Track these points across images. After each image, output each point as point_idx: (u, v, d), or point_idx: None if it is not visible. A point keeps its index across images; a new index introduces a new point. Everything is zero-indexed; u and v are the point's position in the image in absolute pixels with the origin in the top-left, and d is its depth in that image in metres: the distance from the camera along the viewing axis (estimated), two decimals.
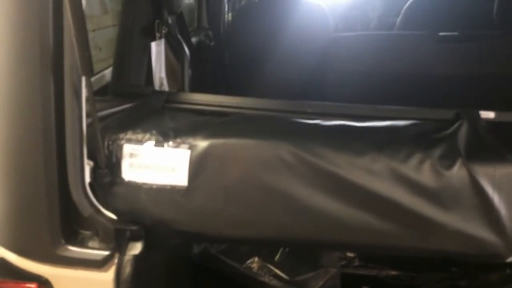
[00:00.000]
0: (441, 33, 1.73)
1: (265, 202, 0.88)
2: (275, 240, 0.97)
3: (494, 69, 1.63)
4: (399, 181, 0.84)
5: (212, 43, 2.43)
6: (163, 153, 0.87)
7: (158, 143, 0.88)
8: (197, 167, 0.87)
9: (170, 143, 0.88)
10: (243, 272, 1.46)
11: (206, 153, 0.87)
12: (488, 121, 0.94)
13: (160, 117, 0.95)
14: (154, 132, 0.89)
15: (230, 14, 2.84)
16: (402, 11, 2.37)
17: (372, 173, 0.84)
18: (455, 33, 1.72)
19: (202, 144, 0.87)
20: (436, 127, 0.90)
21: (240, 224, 0.91)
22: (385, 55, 1.74)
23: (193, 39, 2.16)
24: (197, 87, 1.55)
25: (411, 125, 0.91)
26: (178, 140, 0.88)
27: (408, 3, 2.37)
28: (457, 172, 0.82)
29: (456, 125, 0.91)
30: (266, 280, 1.46)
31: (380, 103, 1.03)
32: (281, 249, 1.49)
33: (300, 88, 1.90)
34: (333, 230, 0.90)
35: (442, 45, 1.71)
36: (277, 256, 1.50)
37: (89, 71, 0.76)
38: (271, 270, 1.48)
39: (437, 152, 0.84)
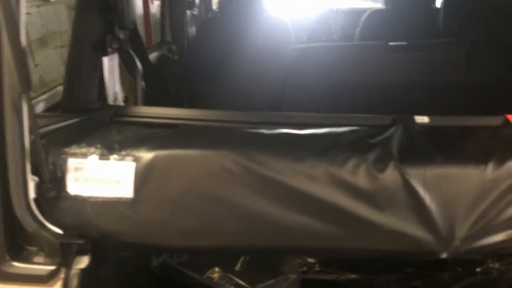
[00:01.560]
0: (391, 43, 1.80)
1: (211, 211, 0.91)
2: (224, 248, 0.99)
3: (439, 76, 1.71)
4: (337, 185, 0.88)
5: (176, 57, 2.45)
6: (108, 166, 0.89)
7: (103, 157, 0.89)
8: (142, 179, 0.88)
9: (115, 156, 0.89)
10: (203, 282, 1.47)
11: (151, 164, 0.88)
12: (422, 125, 0.98)
13: (107, 130, 0.96)
14: (99, 145, 0.90)
15: (194, 28, 2.87)
16: (360, 23, 2.46)
17: (312, 178, 0.88)
18: (404, 43, 1.79)
19: (147, 156, 0.89)
20: (373, 132, 0.95)
21: (188, 234, 0.93)
22: (340, 65, 1.80)
23: (156, 53, 2.19)
24: (160, 101, 1.57)
25: (349, 131, 0.95)
26: (123, 152, 0.89)
27: (365, 15, 2.46)
28: (390, 175, 0.87)
29: (391, 130, 0.95)
30: None
31: (337, 112, 1.07)
32: (242, 258, 1.51)
33: (261, 100, 1.94)
34: (278, 236, 0.93)
35: (392, 54, 1.78)
36: (238, 265, 1.51)
37: (28, 88, 0.78)
38: (231, 280, 1.49)
39: (372, 156, 0.88)
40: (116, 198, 0.88)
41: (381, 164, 0.87)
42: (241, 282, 1.49)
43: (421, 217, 0.87)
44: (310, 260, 1.72)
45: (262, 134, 0.96)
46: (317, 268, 1.70)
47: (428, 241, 0.88)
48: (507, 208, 0.85)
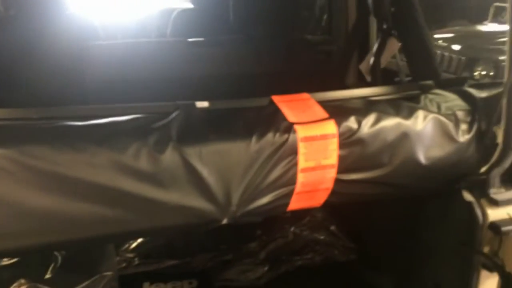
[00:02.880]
0: (189, 39, 1.91)
1: None
2: (16, 250, 0.94)
3: (234, 69, 1.88)
4: (121, 170, 0.91)
5: None
6: None
7: None
8: None
9: None
10: None
11: None
12: (202, 109, 1.09)
13: None
14: None
15: None
16: (170, 21, 2.54)
17: (95, 167, 0.90)
18: (202, 39, 1.92)
19: None
20: (155, 118, 1.01)
21: None
22: (140, 61, 1.84)
23: None
24: None
25: (131, 119, 1.00)
26: None
27: (174, 14, 2.55)
28: (170, 155, 0.94)
29: (173, 115, 1.03)
30: None
31: (135, 102, 1.10)
32: (52, 264, 1.44)
33: (64, 97, 1.86)
34: (69, 229, 0.93)
35: (191, 50, 1.89)
36: (48, 273, 1.44)
37: None
38: None
39: (152, 139, 0.94)
40: None
41: (161, 146, 0.94)
42: None
43: (202, 190, 0.97)
44: (129, 255, 1.73)
45: (41, 128, 0.94)
46: (137, 262, 1.73)
47: (210, 211, 0.98)
48: (270, 173, 1.01)
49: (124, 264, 1.68)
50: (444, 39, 4.86)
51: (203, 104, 1.10)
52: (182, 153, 0.95)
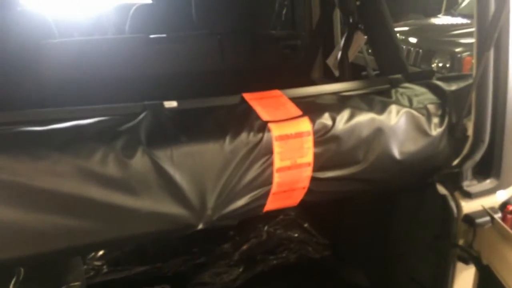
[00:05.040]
0: (151, 36, 1.84)
1: None
2: None
3: (198, 65, 1.83)
4: (87, 177, 0.85)
5: None
6: None
7: None
8: None
9: None
10: None
11: None
12: (171, 110, 1.03)
13: None
14: None
15: None
16: (129, 17, 2.44)
17: (58, 175, 0.83)
18: (164, 35, 1.86)
19: None
20: (122, 121, 0.95)
21: None
22: (99, 59, 1.75)
23: None
24: None
25: (95, 122, 0.93)
26: None
27: (132, 10, 2.45)
28: (139, 160, 0.89)
29: (140, 116, 0.97)
30: None
31: (96, 104, 1.03)
32: (15, 277, 1.36)
33: (18, 99, 1.75)
34: (31, 244, 0.86)
35: (153, 46, 1.82)
36: (11, 285, 1.35)
37: None
38: None
39: (120, 143, 0.89)
40: None
41: (130, 150, 0.88)
42: None
43: (175, 195, 0.92)
44: (97, 263, 1.66)
45: None
46: (106, 270, 1.65)
47: (184, 216, 0.94)
48: (246, 174, 0.97)
49: (92, 273, 1.61)
50: (401, 32, 4.97)
51: (171, 104, 1.05)
52: (152, 156, 0.90)
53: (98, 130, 0.91)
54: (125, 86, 1.68)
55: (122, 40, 1.93)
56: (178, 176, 0.91)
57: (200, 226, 0.97)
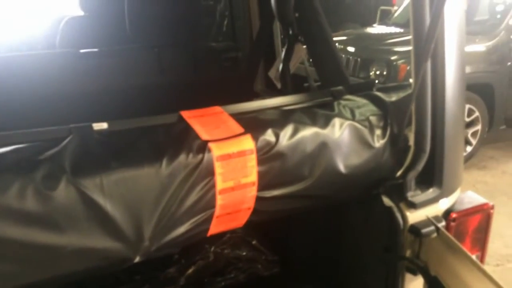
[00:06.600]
0: (82, 50, 1.72)
1: None
2: None
3: (134, 80, 1.74)
4: (2, 214, 0.75)
5: None
6: None
7: None
8: None
9: None
10: None
11: None
12: (101, 132, 0.94)
13: None
14: None
15: None
16: (59, 30, 2.29)
17: None
18: (96, 50, 1.75)
19: None
20: (43, 147, 0.85)
21: None
22: (26, 77, 1.62)
23: None
24: None
25: (11, 151, 0.83)
26: None
27: (63, 22, 2.31)
28: (64, 191, 0.79)
29: (65, 141, 0.88)
30: None
31: (20, 128, 0.91)
32: None
33: None
34: None
35: (84, 62, 1.70)
36: None
37: None
38: None
39: (40, 174, 0.79)
40: None
41: (51, 181, 0.79)
42: None
43: (106, 227, 0.83)
44: None
45: None
46: None
47: (118, 250, 0.85)
48: (186, 199, 0.90)
49: None
50: (339, 42, 5.10)
51: (101, 125, 0.95)
52: (78, 186, 0.81)
53: (15, 160, 0.81)
54: (52, 106, 1.54)
55: (50, 56, 1.79)
56: (109, 206, 0.83)
57: (137, 259, 0.89)
